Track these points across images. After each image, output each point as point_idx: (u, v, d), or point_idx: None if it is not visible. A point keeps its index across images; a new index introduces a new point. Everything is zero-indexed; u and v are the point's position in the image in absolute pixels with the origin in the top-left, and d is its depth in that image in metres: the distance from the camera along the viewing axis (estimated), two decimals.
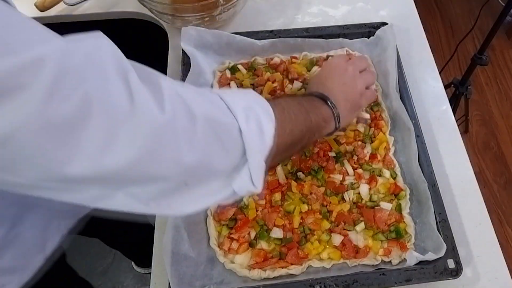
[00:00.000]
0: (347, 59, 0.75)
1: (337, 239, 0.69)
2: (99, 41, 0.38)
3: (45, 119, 0.31)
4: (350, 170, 0.76)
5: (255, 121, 0.47)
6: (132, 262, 1.64)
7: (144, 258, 1.55)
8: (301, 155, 0.77)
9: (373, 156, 0.77)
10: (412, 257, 0.66)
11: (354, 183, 0.75)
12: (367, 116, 0.81)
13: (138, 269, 1.66)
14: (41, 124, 0.31)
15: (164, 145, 0.38)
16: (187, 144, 0.40)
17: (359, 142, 0.79)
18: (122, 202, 0.40)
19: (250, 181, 0.47)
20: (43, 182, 0.35)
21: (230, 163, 0.46)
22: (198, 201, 0.44)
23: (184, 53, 0.84)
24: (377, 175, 0.76)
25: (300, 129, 0.56)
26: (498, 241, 0.72)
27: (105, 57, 0.37)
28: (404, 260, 0.68)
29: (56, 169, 0.33)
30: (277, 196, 0.73)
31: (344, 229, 0.71)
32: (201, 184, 0.44)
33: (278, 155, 0.52)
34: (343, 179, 0.75)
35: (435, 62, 0.93)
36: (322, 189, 0.74)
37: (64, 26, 1.02)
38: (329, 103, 0.64)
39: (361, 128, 0.80)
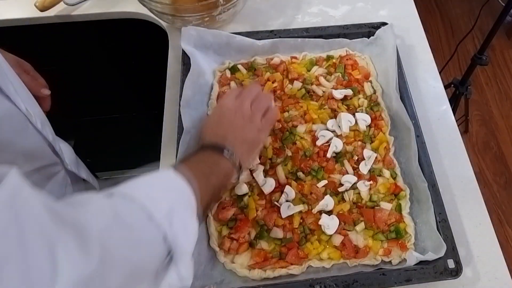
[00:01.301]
0: (235, 95, 0.72)
1: (337, 239, 0.69)
2: (14, 196, 0.33)
3: None
4: (350, 170, 0.76)
5: (179, 222, 0.47)
6: None
7: None
8: (301, 155, 0.77)
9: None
10: (412, 257, 0.66)
11: (354, 183, 0.75)
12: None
13: None
14: None
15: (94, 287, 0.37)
16: (115, 274, 0.39)
17: (359, 142, 0.79)
18: None
19: (177, 278, 0.48)
20: None
21: (155, 267, 0.46)
22: None
23: (184, 53, 0.84)
24: (377, 175, 0.76)
25: (206, 201, 0.56)
26: (498, 241, 0.72)
27: (25, 226, 0.33)
28: (404, 260, 0.68)
29: None
30: (277, 195, 0.73)
31: (344, 229, 0.71)
32: None
33: None
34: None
35: (435, 62, 0.93)
36: (322, 189, 0.74)
37: (64, 26, 1.02)
38: (226, 155, 0.62)
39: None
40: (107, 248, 0.38)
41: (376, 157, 0.77)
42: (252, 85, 0.80)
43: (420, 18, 1.00)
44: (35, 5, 0.95)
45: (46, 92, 0.75)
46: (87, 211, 0.42)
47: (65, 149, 0.75)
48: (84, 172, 0.80)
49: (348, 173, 0.76)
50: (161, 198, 0.48)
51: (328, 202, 0.72)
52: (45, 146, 0.65)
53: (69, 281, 0.34)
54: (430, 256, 0.65)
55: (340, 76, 0.86)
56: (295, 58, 0.89)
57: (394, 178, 0.76)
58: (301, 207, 0.71)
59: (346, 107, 0.83)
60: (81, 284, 0.35)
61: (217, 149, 0.63)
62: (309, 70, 0.88)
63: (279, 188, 0.73)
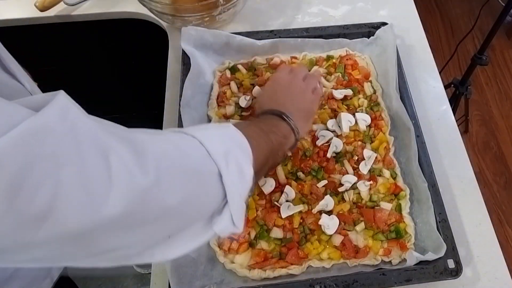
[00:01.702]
0: (288, 70, 0.76)
1: (337, 239, 0.69)
2: (66, 111, 0.34)
3: (13, 217, 0.30)
4: (350, 170, 0.76)
5: (235, 165, 0.47)
6: None
7: None
8: (301, 155, 0.77)
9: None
10: (412, 257, 0.66)
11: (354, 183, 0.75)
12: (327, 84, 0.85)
13: (138, 269, 1.66)
14: (9, 222, 0.30)
15: (149, 204, 0.38)
16: (169, 196, 0.39)
17: (359, 142, 0.79)
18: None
19: (231, 223, 0.47)
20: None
21: (211, 207, 0.46)
22: (180, 247, 0.44)
23: (184, 53, 0.84)
24: (377, 175, 0.76)
25: (264, 155, 0.56)
26: (498, 241, 0.72)
27: (80, 135, 0.34)
28: (404, 260, 0.68)
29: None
30: (277, 195, 0.73)
31: (344, 229, 0.71)
32: (182, 231, 0.44)
33: None
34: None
35: (435, 62, 0.93)
36: (322, 189, 0.74)
37: (64, 26, 1.02)
38: (286, 118, 0.65)
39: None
40: (163, 169, 0.39)
41: (376, 157, 0.77)
42: (300, 65, 0.87)
43: (420, 18, 1.00)
44: (35, 5, 0.95)
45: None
46: (145, 132, 0.43)
47: None
48: None
49: (348, 173, 0.76)
50: (219, 141, 0.48)
51: (328, 202, 0.72)
52: None
53: (124, 190, 0.34)
54: (430, 256, 0.65)
55: (340, 76, 0.86)
56: (295, 58, 0.89)
57: (394, 178, 0.76)
58: (301, 207, 0.71)
59: (346, 107, 0.83)
60: (136, 195, 0.35)
61: (276, 114, 0.66)
62: (309, 70, 0.88)
63: (279, 188, 0.73)
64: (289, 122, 0.65)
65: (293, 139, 0.66)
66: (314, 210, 0.71)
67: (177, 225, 0.43)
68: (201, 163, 0.45)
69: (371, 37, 0.89)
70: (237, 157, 0.48)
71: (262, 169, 0.58)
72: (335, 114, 0.82)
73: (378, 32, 0.88)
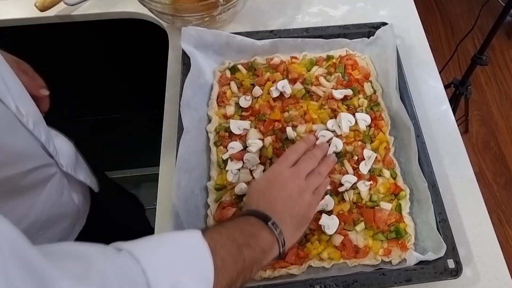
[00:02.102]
0: (289, 163, 0.66)
1: (337, 239, 0.69)
2: None
3: None
4: (350, 170, 0.76)
5: None
6: None
7: None
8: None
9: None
10: (412, 257, 0.66)
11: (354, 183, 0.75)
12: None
13: None
14: None
15: None
16: None
17: (359, 142, 0.79)
18: None
19: None
20: None
21: None
22: None
23: (184, 53, 0.84)
24: (377, 175, 0.76)
25: (229, 277, 0.49)
26: (498, 241, 0.72)
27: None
28: (404, 260, 0.68)
29: None
30: None
31: (344, 229, 0.71)
32: None
33: None
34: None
35: (435, 62, 0.93)
36: None
37: (64, 26, 1.02)
38: (271, 226, 0.57)
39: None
40: None
41: (376, 157, 0.77)
42: (309, 155, 0.69)
43: (420, 18, 1.00)
44: (35, 5, 0.95)
45: (45, 92, 0.74)
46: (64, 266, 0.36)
47: (63, 149, 0.74)
48: (82, 174, 0.79)
49: (348, 173, 0.76)
50: (169, 268, 0.43)
51: (328, 202, 0.72)
52: (37, 146, 0.64)
53: None
54: (430, 256, 0.65)
55: (340, 76, 0.86)
56: (295, 58, 0.89)
57: (394, 178, 0.76)
58: None
59: (346, 107, 0.83)
60: None
61: (261, 218, 0.57)
62: (309, 70, 0.88)
63: None
64: (274, 232, 0.56)
65: (276, 252, 0.57)
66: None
67: None
68: None
69: (371, 37, 0.89)
70: None
71: (230, 286, 0.51)
72: (335, 114, 0.82)
73: (378, 32, 0.88)
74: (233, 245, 0.51)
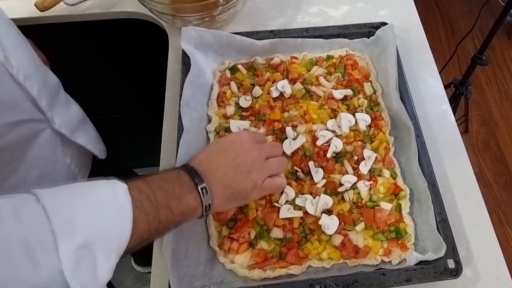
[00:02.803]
0: (256, 140, 0.62)
1: (337, 239, 0.69)
2: None
3: None
4: (350, 170, 0.76)
5: (88, 264, 0.42)
6: (132, 260, 1.64)
7: (143, 256, 1.55)
8: (301, 155, 0.77)
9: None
10: (412, 257, 0.66)
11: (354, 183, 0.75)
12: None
13: (138, 268, 1.66)
14: None
15: None
16: None
17: (359, 142, 0.79)
18: None
19: None
20: None
21: None
22: None
23: (184, 53, 0.84)
24: (377, 175, 0.76)
25: (140, 236, 0.48)
26: (498, 241, 0.72)
27: None
28: (404, 260, 0.68)
29: None
30: (277, 196, 0.73)
31: (344, 229, 0.71)
32: None
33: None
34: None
35: (435, 62, 0.93)
36: (322, 189, 0.74)
37: (64, 26, 1.02)
38: (200, 190, 0.54)
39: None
40: None
41: (376, 157, 0.77)
42: (274, 143, 0.69)
43: (420, 18, 1.00)
44: (35, 5, 0.95)
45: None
46: None
47: (63, 109, 0.72)
48: (82, 137, 0.75)
49: (348, 173, 0.76)
50: (82, 225, 0.42)
51: (326, 200, 0.71)
52: (24, 99, 0.63)
53: None
54: (430, 256, 0.65)
55: (340, 76, 0.86)
56: (295, 58, 0.89)
57: (394, 178, 0.76)
58: (300, 214, 0.71)
59: (346, 107, 0.83)
60: None
61: (193, 178, 0.55)
62: (309, 70, 0.88)
63: None
64: (201, 197, 0.54)
65: (198, 215, 0.56)
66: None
67: None
68: (42, 259, 0.39)
69: (371, 37, 0.89)
70: (96, 253, 0.42)
71: (133, 249, 0.50)
72: (335, 114, 0.82)
73: (378, 32, 0.88)
74: (152, 206, 0.50)
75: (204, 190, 0.54)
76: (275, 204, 0.72)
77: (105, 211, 0.45)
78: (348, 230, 0.71)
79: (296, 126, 0.80)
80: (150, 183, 0.52)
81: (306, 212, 0.71)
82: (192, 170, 0.56)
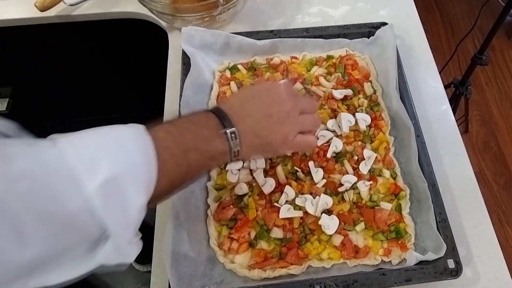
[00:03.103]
0: (293, 93, 0.60)
1: (337, 239, 0.69)
2: None
3: None
4: (350, 170, 0.76)
5: (117, 198, 0.40)
6: None
7: (143, 254, 1.55)
8: (301, 155, 0.77)
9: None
10: (412, 257, 0.66)
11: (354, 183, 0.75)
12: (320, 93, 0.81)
13: (138, 267, 1.66)
14: None
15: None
16: (18, 245, 0.35)
17: (359, 142, 0.79)
18: None
19: (117, 254, 0.42)
20: None
21: (85, 242, 0.40)
22: (58, 276, 0.39)
23: (184, 53, 0.84)
24: (377, 175, 0.76)
25: (170, 181, 0.47)
26: (498, 241, 0.72)
27: None
28: (404, 260, 0.68)
29: None
30: (277, 196, 0.73)
31: (344, 229, 0.71)
32: (59, 259, 0.39)
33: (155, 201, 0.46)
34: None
35: (435, 62, 0.93)
36: (322, 189, 0.74)
37: (64, 26, 1.02)
38: (229, 135, 0.52)
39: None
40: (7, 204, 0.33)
41: (376, 157, 0.77)
42: (311, 100, 0.66)
43: (420, 18, 1.00)
44: (35, 5, 0.95)
45: None
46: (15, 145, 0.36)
47: None
48: None
49: (348, 173, 0.76)
50: (108, 162, 0.40)
51: (326, 200, 0.71)
52: None
53: None
54: (430, 256, 0.65)
55: (340, 76, 0.86)
56: (295, 58, 0.89)
57: (394, 178, 0.76)
58: (300, 214, 0.71)
59: (346, 107, 0.83)
60: None
61: (223, 123, 0.52)
62: (309, 70, 0.88)
63: (279, 188, 0.73)
64: (230, 142, 0.52)
65: (226, 160, 0.54)
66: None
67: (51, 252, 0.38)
68: (67, 199, 0.37)
69: (371, 37, 0.89)
70: (122, 187, 0.40)
71: (167, 194, 0.49)
72: (335, 114, 0.82)
73: (378, 32, 0.88)
74: (179, 148, 0.48)
75: (233, 135, 0.52)
76: (275, 204, 0.72)
77: (126, 146, 0.43)
78: (348, 230, 0.71)
79: None
80: (178, 125, 0.50)
81: (306, 212, 0.71)
82: (222, 113, 0.53)
